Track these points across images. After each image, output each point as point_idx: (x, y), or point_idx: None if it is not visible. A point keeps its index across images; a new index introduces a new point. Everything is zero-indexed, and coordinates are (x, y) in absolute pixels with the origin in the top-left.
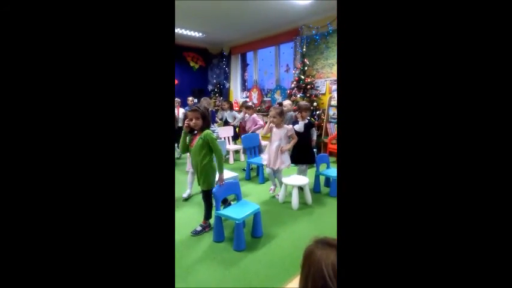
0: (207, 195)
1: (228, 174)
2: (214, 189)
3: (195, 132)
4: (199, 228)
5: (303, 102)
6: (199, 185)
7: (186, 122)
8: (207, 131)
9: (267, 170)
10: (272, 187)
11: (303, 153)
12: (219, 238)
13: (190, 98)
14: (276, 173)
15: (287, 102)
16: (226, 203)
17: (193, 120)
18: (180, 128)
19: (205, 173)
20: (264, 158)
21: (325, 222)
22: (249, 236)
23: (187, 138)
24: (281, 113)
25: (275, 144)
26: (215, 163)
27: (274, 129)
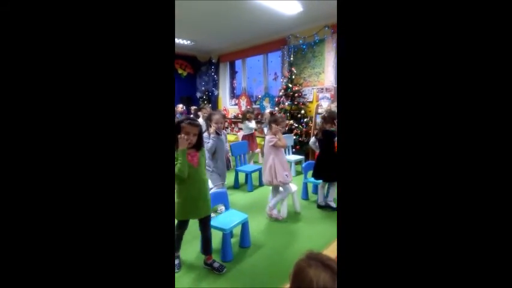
0: (208, 223)
1: (216, 182)
2: None
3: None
4: (216, 265)
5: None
6: (203, 213)
7: (183, 137)
8: (202, 149)
9: (285, 189)
10: (279, 214)
11: (334, 167)
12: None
13: (180, 106)
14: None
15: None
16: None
17: (191, 136)
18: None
19: (207, 197)
20: (287, 176)
21: (312, 229)
22: (236, 246)
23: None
24: None
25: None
26: None
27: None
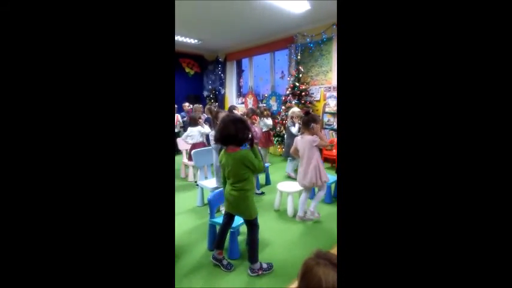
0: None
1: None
2: (208, 197)
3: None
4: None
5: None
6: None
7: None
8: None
9: (323, 188)
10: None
11: None
12: (213, 246)
13: (187, 104)
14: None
15: (296, 110)
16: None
17: None
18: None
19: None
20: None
21: (319, 228)
22: (243, 244)
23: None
24: None
25: None
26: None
27: None
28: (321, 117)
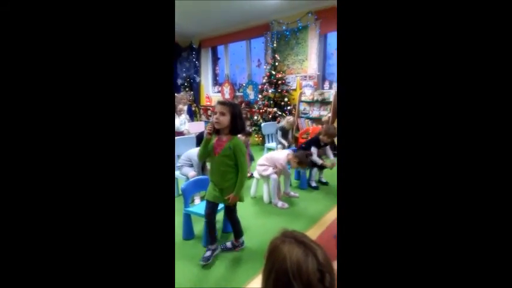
0: (230, 211)
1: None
2: (182, 186)
3: (221, 135)
4: (229, 246)
5: None
6: (222, 200)
7: (214, 118)
8: (236, 139)
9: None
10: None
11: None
12: (188, 236)
13: None
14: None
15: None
16: None
17: (219, 117)
18: None
19: (228, 192)
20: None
21: (294, 214)
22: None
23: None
24: None
25: None
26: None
27: None
28: (296, 106)
